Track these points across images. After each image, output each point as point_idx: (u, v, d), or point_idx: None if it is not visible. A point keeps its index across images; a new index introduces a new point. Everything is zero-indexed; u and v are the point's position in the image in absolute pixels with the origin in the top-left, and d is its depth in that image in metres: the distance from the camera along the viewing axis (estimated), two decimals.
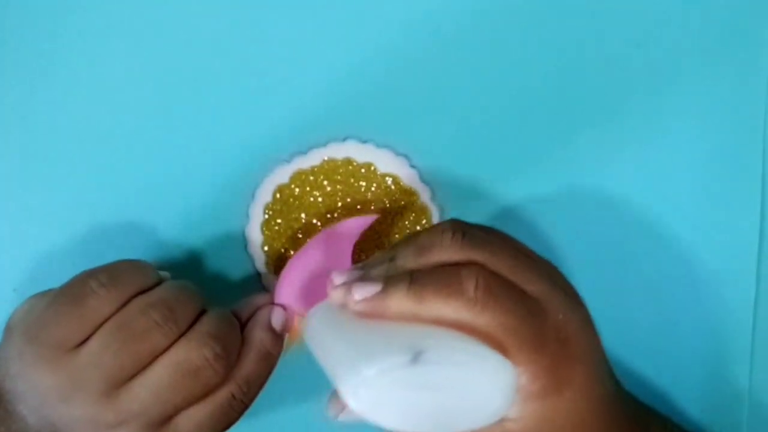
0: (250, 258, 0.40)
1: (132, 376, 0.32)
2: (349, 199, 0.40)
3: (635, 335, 0.40)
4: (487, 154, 0.40)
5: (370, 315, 0.30)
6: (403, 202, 0.40)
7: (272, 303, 0.36)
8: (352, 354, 0.29)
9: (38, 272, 0.38)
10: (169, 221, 0.40)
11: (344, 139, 0.40)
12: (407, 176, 0.40)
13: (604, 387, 0.33)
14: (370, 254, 0.40)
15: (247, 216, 0.40)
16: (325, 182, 0.40)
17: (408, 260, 0.31)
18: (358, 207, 0.40)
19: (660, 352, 0.40)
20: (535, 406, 0.30)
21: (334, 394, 0.31)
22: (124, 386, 0.31)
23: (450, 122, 0.40)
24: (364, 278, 0.31)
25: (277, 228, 0.40)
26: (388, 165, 0.40)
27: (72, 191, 0.39)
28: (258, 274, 0.40)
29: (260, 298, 0.37)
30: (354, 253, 0.37)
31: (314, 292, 0.36)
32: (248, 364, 0.34)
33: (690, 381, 0.40)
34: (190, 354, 0.32)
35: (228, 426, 0.34)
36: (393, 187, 0.40)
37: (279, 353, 0.35)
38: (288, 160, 0.40)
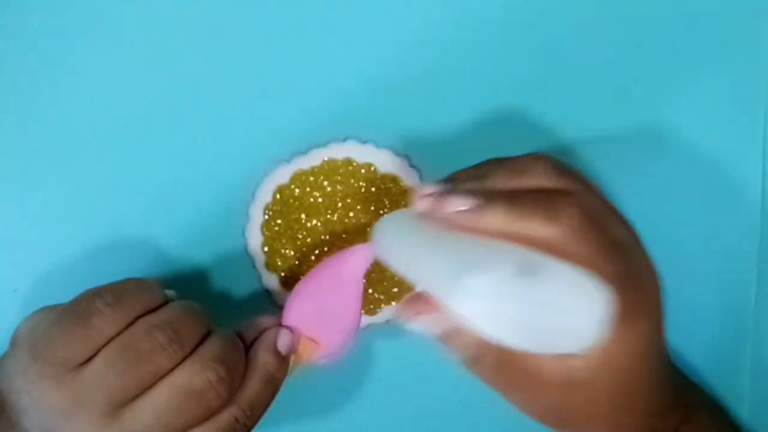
0: (250, 258, 0.40)
1: (135, 397, 0.31)
2: (349, 199, 0.40)
3: None
4: (488, 155, 0.40)
5: (464, 227, 0.30)
6: (403, 203, 0.40)
7: (278, 325, 0.36)
8: (457, 261, 0.29)
9: (38, 273, 0.38)
10: (169, 221, 0.40)
11: (344, 140, 0.40)
12: (407, 176, 0.40)
13: (660, 346, 0.33)
14: (376, 274, 0.39)
15: (247, 216, 0.40)
16: (325, 182, 0.40)
17: (502, 180, 0.32)
18: (358, 207, 0.40)
19: None
20: (602, 347, 0.30)
21: (409, 300, 0.32)
22: (127, 406, 0.31)
23: (450, 122, 0.40)
24: (456, 191, 0.31)
25: (277, 228, 0.40)
26: (388, 165, 0.40)
27: (71, 190, 0.39)
28: (258, 275, 0.40)
29: (266, 320, 0.36)
30: (364, 277, 0.36)
31: (322, 315, 0.36)
32: (252, 388, 0.34)
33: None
34: (194, 377, 0.32)
35: None
36: (393, 187, 0.40)
37: (284, 377, 0.35)
38: (288, 160, 0.40)
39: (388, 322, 0.40)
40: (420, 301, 0.32)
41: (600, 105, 0.40)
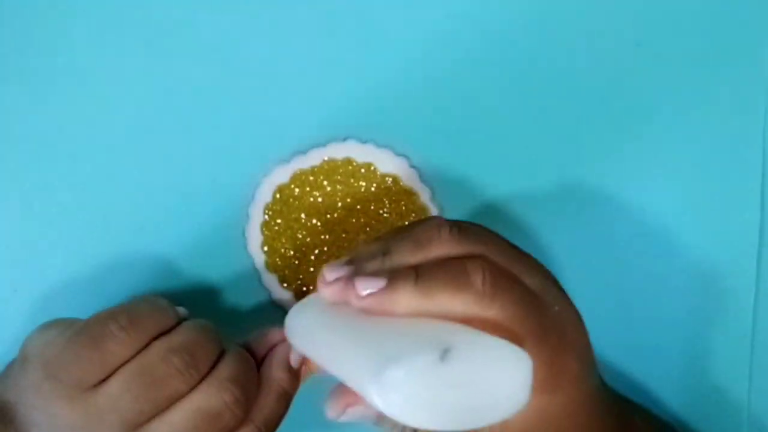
0: (250, 258, 0.40)
1: (151, 419, 0.31)
2: (349, 199, 0.40)
3: (634, 335, 0.40)
4: (488, 155, 0.40)
5: (375, 312, 0.30)
6: (403, 202, 0.40)
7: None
8: (374, 354, 0.28)
9: (38, 273, 0.38)
10: (169, 220, 0.40)
11: (344, 139, 0.40)
12: (407, 176, 0.40)
13: (593, 380, 0.33)
14: None
15: (247, 216, 0.40)
16: (325, 182, 0.40)
17: (406, 255, 0.31)
18: (358, 207, 0.40)
19: (659, 352, 0.40)
20: (534, 401, 0.30)
21: (335, 394, 0.31)
22: (143, 428, 0.31)
23: (450, 122, 0.40)
24: (362, 273, 0.31)
25: (277, 228, 0.40)
26: (388, 165, 0.40)
27: (71, 189, 0.39)
28: (258, 274, 0.40)
29: (276, 334, 0.36)
30: None
31: None
32: (268, 405, 0.34)
33: (689, 381, 0.40)
34: (211, 400, 0.32)
35: None
36: (393, 187, 0.40)
37: (296, 390, 0.35)
38: (288, 160, 0.40)
39: None
40: (345, 393, 0.31)
41: (600, 105, 0.40)
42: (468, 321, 0.29)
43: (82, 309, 0.35)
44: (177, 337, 0.33)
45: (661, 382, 0.40)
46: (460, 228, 0.32)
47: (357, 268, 0.31)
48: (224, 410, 0.32)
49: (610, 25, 0.40)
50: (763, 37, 0.40)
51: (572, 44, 0.40)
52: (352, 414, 0.31)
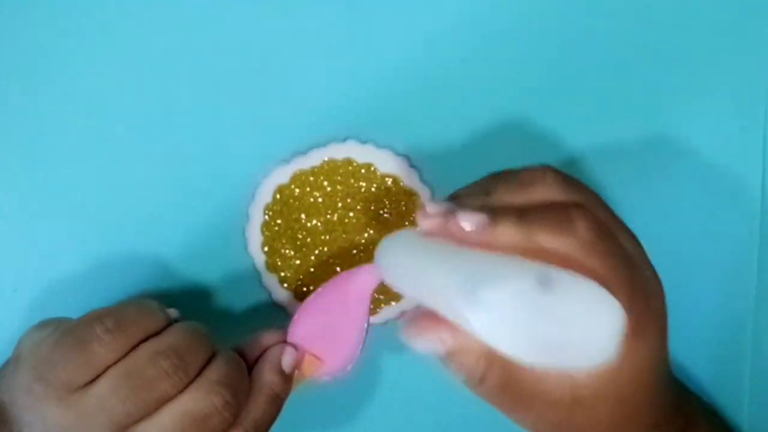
0: (250, 258, 0.40)
1: (139, 420, 0.31)
2: (349, 200, 0.40)
3: None
4: (487, 155, 0.40)
5: (473, 244, 0.30)
6: (403, 202, 0.40)
7: (282, 341, 0.36)
8: (471, 275, 0.28)
9: (38, 272, 0.38)
10: (169, 220, 0.40)
11: (344, 140, 0.40)
12: (407, 176, 0.40)
13: (666, 357, 0.33)
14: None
15: (247, 216, 0.40)
16: (325, 182, 0.40)
17: (508, 196, 0.31)
18: (358, 207, 0.40)
19: None
20: (611, 363, 0.29)
21: (413, 318, 0.31)
22: (130, 430, 0.31)
23: (450, 122, 0.40)
24: (463, 209, 0.30)
25: (277, 228, 0.40)
26: (388, 165, 0.40)
27: (71, 189, 0.39)
28: (258, 275, 0.40)
29: (269, 337, 0.36)
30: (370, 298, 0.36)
31: (327, 334, 0.36)
32: (258, 409, 0.34)
33: (689, 381, 0.40)
34: (199, 403, 0.32)
35: None
36: (393, 187, 0.40)
37: (287, 395, 0.35)
38: (288, 160, 0.40)
39: (387, 322, 0.40)
40: (423, 317, 0.31)
41: (601, 109, 0.40)
42: (565, 265, 0.29)
43: (82, 309, 0.35)
44: (166, 339, 0.33)
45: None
46: (565, 176, 0.32)
47: (459, 203, 0.31)
48: (213, 413, 0.32)
49: (610, 25, 0.40)
50: (764, 39, 0.40)
51: (572, 45, 0.40)
52: (426, 340, 0.31)
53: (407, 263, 0.31)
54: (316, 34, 0.40)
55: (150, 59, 0.40)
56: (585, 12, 0.40)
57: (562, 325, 0.28)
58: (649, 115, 0.40)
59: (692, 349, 0.40)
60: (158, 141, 0.39)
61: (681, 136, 0.40)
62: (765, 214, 0.40)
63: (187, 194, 0.40)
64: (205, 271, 0.40)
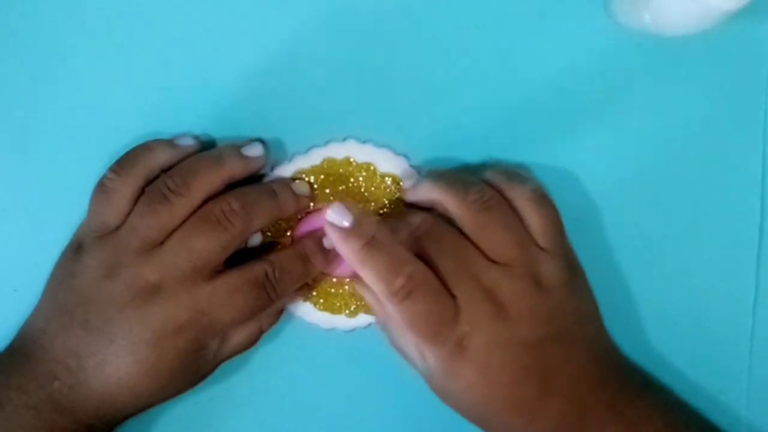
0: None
1: (165, 239, 0.36)
2: (348, 199, 0.40)
3: (633, 334, 0.40)
4: (487, 155, 0.40)
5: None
6: (402, 202, 0.40)
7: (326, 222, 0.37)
8: None
9: (38, 272, 0.38)
10: None
11: (344, 139, 0.40)
12: (407, 176, 0.40)
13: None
14: None
15: None
16: (325, 182, 0.40)
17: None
18: (358, 206, 0.40)
19: (659, 352, 0.40)
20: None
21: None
22: (159, 246, 0.35)
23: (450, 122, 0.40)
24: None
25: (277, 228, 0.40)
26: (388, 165, 0.40)
27: (71, 188, 0.39)
28: None
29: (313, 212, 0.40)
30: None
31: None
32: (285, 253, 0.38)
33: (689, 380, 0.40)
34: (208, 207, 0.36)
35: (256, 312, 0.36)
36: (393, 187, 0.40)
37: (315, 266, 0.38)
38: (288, 160, 0.40)
39: (370, 325, 0.40)
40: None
41: (599, 104, 0.40)
42: None
43: None
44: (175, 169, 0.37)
45: (660, 381, 0.40)
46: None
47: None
48: (221, 217, 0.36)
49: (609, 25, 0.40)
50: (763, 37, 0.40)
51: (571, 45, 0.40)
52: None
53: None
54: (316, 33, 0.40)
55: (150, 59, 0.40)
56: (585, 8, 0.40)
57: None
58: (648, 114, 0.40)
59: (692, 349, 0.40)
60: None
61: (681, 136, 0.40)
62: (765, 214, 0.40)
63: None
64: None
